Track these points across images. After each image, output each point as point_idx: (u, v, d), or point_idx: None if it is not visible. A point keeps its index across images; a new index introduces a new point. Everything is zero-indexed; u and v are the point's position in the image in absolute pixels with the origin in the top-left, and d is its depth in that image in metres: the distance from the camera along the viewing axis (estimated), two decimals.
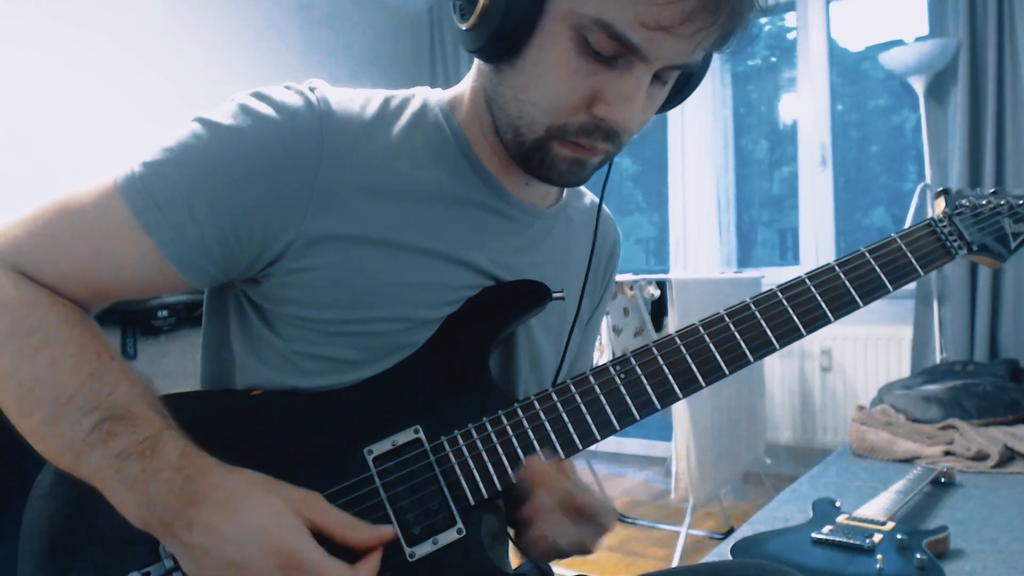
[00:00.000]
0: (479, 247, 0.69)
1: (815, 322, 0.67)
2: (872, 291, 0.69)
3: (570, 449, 0.64)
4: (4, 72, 2.33)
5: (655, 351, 0.66)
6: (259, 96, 0.62)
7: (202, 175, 0.60)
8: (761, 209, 3.62)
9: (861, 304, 0.68)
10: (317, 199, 0.62)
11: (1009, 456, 1.85)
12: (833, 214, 3.12)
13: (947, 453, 1.88)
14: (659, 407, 0.65)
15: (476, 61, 0.67)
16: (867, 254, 0.70)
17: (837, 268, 0.69)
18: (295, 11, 3.19)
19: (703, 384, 0.65)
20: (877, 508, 1.30)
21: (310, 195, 0.61)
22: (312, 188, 0.61)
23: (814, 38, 3.15)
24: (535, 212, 0.74)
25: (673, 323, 2.21)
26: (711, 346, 0.66)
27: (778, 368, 3.06)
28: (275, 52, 3.09)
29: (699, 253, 3.36)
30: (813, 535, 1.17)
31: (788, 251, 3.56)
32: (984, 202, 0.75)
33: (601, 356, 2.42)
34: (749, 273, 2.96)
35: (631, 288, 2.40)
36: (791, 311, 0.67)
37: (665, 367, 0.65)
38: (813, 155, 3.14)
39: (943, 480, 1.63)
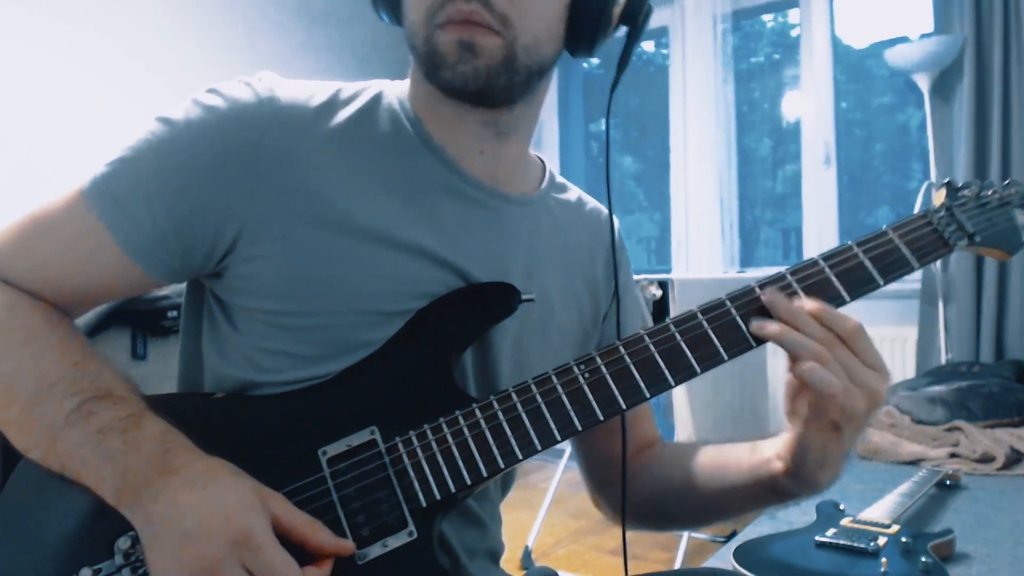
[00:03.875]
0: (438, 234, 0.68)
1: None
2: (860, 285, 0.65)
3: (528, 450, 0.62)
4: (2, 72, 2.32)
5: (622, 350, 0.63)
6: (210, 90, 0.65)
7: (155, 169, 0.62)
8: (764, 208, 3.60)
9: (848, 299, 0.65)
10: (264, 186, 0.62)
11: (1015, 458, 1.82)
12: (837, 213, 3.10)
13: (952, 455, 1.86)
14: (624, 407, 0.62)
15: None
16: (855, 247, 0.66)
17: (822, 262, 0.65)
18: (294, 8, 3.18)
19: (672, 383, 0.63)
20: (881, 511, 1.29)
21: (256, 180, 0.62)
22: (257, 173, 0.62)
23: (818, 35, 3.13)
24: (504, 196, 0.73)
25: None
26: (682, 344, 0.63)
27: (781, 368, 3.01)
28: (274, 50, 3.08)
29: (701, 253, 3.34)
30: (817, 538, 1.15)
31: (791, 251, 3.54)
32: (991, 192, 0.72)
33: None
34: (752, 273, 2.94)
35: None
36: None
37: (632, 366, 0.63)
38: (817, 153, 3.12)
39: (948, 482, 1.62)
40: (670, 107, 3.42)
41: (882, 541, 1.13)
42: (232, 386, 0.67)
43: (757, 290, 0.64)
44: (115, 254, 0.63)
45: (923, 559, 1.06)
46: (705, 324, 0.64)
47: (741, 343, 0.63)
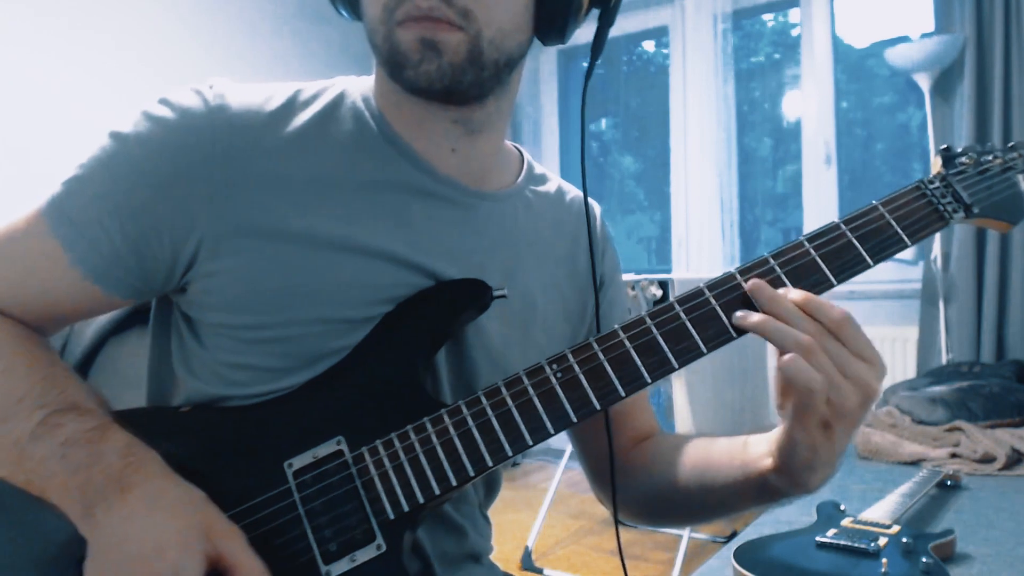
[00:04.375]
0: (408, 236, 0.66)
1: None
2: (848, 267, 0.61)
3: (499, 456, 0.59)
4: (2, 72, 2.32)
5: (595, 346, 0.60)
6: (160, 101, 0.63)
7: (108, 186, 0.61)
8: (765, 208, 3.59)
9: (835, 282, 0.61)
10: (219, 196, 0.61)
11: (1016, 458, 1.82)
12: (838, 213, 3.09)
13: (953, 455, 1.85)
14: (598, 407, 0.59)
15: None
16: (842, 225, 0.62)
17: (807, 243, 0.61)
18: (292, 6, 3.18)
19: (648, 381, 0.59)
20: (882, 511, 1.28)
21: (211, 192, 0.61)
22: (211, 185, 0.61)
23: (818, 34, 3.13)
24: (478, 193, 0.71)
25: None
26: (659, 338, 0.59)
27: None
28: (272, 49, 3.08)
29: (702, 253, 3.33)
30: (817, 538, 1.14)
31: None
32: (992, 157, 0.66)
33: None
34: None
35: (633, 288, 2.38)
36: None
37: (606, 363, 0.59)
38: (817, 153, 3.12)
39: (949, 483, 1.61)
40: (670, 107, 3.41)
41: (883, 542, 1.13)
42: (202, 401, 0.65)
43: (738, 277, 0.61)
44: (73, 275, 0.61)
45: (924, 559, 1.05)
46: (683, 316, 0.60)
47: (722, 335, 0.59)
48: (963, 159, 0.66)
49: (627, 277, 2.35)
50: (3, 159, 2.26)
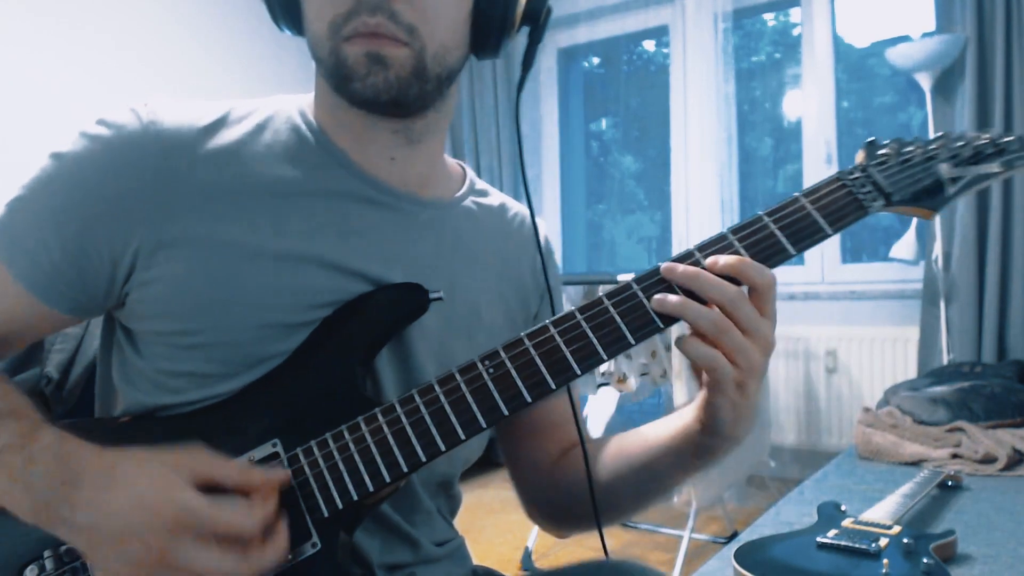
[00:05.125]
0: (346, 242, 0.67)
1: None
2: (771, 255, 0.63)
3: (432, 451, 0.60)
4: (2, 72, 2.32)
5: (526, 341, 0.62)
6: (98, 120, 0.65)
7: (46, 205, 0.63)
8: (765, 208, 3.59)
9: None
10: (153, 207, 0.62)
11: (1017, 459, 1.82)
12: None
13: (954, 456, 1.85)
14: (529, 400, 0.60)
15: None
16: (765, 217, 0.64)
17: (731, 236, 0.63)
18: None
19: (578, 373, 0.61)
20: (883, 512, 1.28)
21: (145, 205, 0.62)
22: (146, 197, 0.62)
23: (819, 34, 3.13)
24: (418, 200, 0.72)
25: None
26: (588, 332, 0.61)
27: (782, 369, 3.03)
28: (272, 49, 3.08)
29: None
30: (818, 539, 1.14)
31: None
32: (911, 148, 0.68)
33: None
34: None
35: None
36: (679, 289, 0.61)
37: (537, 357, 0.61)
38: (818, 153, 3.12)
39: (950, 483, 1.61)
40: (671, 106, 3.41)
41: (884, 542, 1.13)
42: (140, 411, 0.66)
43: (660, 268, 0.63)
44: (16, 290, 0.63)
45: (925, 560, 1.05)
46: (611, 309, 0.62)
47: (648, 325, 0.61)
48: (885, 150, 0.68)
49: (627, 277, 2.34)
50: (3, 159, 2.26)
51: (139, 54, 2.67)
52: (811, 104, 3.15)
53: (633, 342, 0.61)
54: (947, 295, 2.69)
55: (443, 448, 0.60)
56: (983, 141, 0.68)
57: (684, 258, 0.63)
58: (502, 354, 0.62)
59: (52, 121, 2.39)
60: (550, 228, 3.73)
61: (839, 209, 0.65)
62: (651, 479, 0.75)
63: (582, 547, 2.66)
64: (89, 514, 0.53)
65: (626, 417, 3.33)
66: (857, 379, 2.91)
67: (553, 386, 0.61)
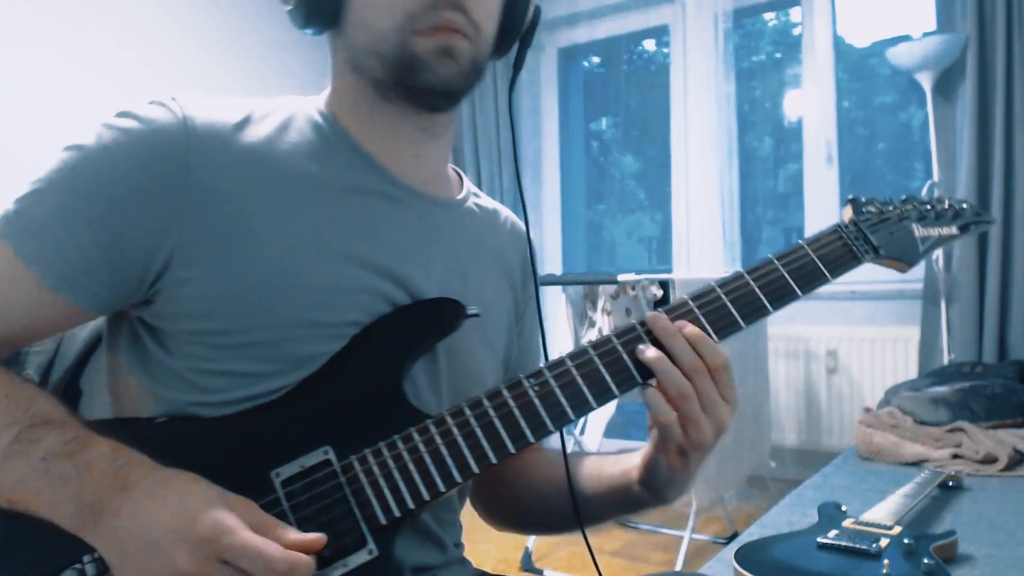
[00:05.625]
0: (373, 239, 0.68)
1: (726, 328, 0.68)
2: (782, 297, 0.70)
3: (484, 463, 0.63)
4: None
5: (568, 362, 0.65)
6: (122, 114, 0.63)
7: (76, 198, 0.61)
8: (766, 208, 3.59)
9: (771, 310, 0.70)
10: (192, 204, 0.61)
11: (1018, 459, 1.81)
12: (839, 212, 3.08)
13: (955, 456, 1.84)
14: (572, 417, 0.65)
15: (329, 48, 0.72)
16: (775, 261, 0.71)
17: (747, 275, 0.70)
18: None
19: (617, 394, 0.65)
20: (884, 512, 1.28)
21: (183, 201, 0.61)
22: (184, 193, 0.61)
23: (820, 33, 3.12)
24: (431, 199, 0.74)
25: None
26: (624, 356, 0.66)
27: (783, 370, 3.02)
28: (271, 48, 3.08)
29: (702, 252, 3.32)
30: (819, 539, 1.14)
31: None
32: (891, 208, 0.78)
33: None
34: None
35: (633, 288, 2.37)
36: (703, 319, 0.68)
37: (579, 378, 0.65)
38: (819, 152, 3.11)
39: (951, 484, 1.61)
40: (671, 106, 3.40)
41: (884, 542, 1.12)
42: (171, 410, 0.65)
43: (690, 303, 0.68)
44: (41, 289, 0.61)
45: (925, 560, 1.05)
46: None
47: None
48: (869, 207, 0.78)
49: (628, 277, 2.35)
50: (3, 159, 2.26)
51: (139, 54, 2.67)
52: (811, 104, 3.14)
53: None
54: (948, 295, 2.69)
55: (494, 460, 0.63)
56: (944, 206, 0.80)
57: (677, 308, 0.68)
58: (546, 374, 0.65)
59: (52, 121, 2.39)
60: (550, 228, 3.73)
61: (838, 258, 0.73)
62: (588, 506, 0.78)
63: (582, 547, 2.66)
64: (130, 519, 0.53)
65: (626, 417, 3.33)
66: (858, 379, 2.90)
67: (595, 406, 0.65)
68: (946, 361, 2.63)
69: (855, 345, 2.90)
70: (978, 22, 2.58)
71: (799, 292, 0.70)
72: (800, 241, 0.73)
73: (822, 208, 3.11)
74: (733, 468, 2.33)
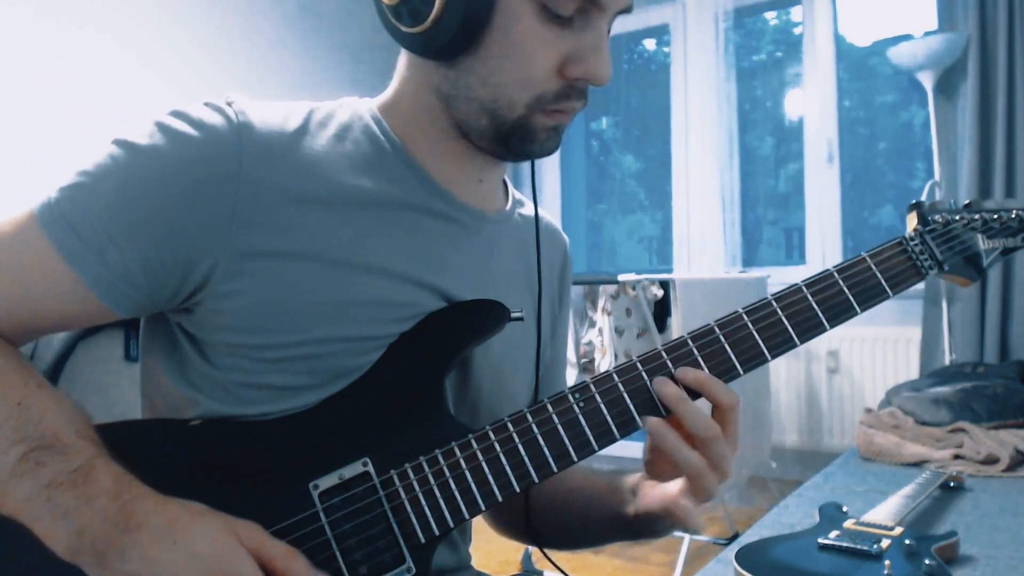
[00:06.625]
0: (424, 257, 0.66)
1: (781, 346, 0.66)
2: (840, 314, 0.67)
3: (526, 482, 0.61)
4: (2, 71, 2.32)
5: (616, 378, 0.63)
6: (176, 114, 0.61)
7: (121, 199, 0.58)
8: (766, 207, 3.58)
9: (828, 327, 0.67)
10: (241, 217, 0.59)
11: (1020, 460, 1.81)
12: (840, 212, 3.08)
13: (956, 457, 1.84)
14: (618, 436, 0.63)
15: (409, 62, 0.68)
16: (836, 274, 0.68)
17: (805, 289, 0.67)
18: (293, 7, 3.17)
19: (664, 414, 0.63)
20: (885, 513, 1.27)
21: (233, 213, 0.59)
22: (235, 206, 0.59)
23: (820, 33, 3.12)
24: (484, 215, 0.72)
25: (677, 324, 2.17)
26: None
27: (784, 370, 3.02)
28: (271, 48, 3.07)
29: (703, 252, 3.32)
30: (819, 540, 1.13)
31: (794, 250, 3.52)
32: (957, 217, 0.73)
33: (603, 358, 2.39)
34: (754, 273, 2.93)
35: (633, 288, 2.37)
36: (757, 335, 0.65)
37: (626, 395, 0.63)
38: (820, 152, 3.11)
39: (952, 484, 1.60)
40: (672, 105, 3.40)
41: (885, 543, 1.12)
42: (207, 415, 0.64)
43: (744, 316, 0.66)
44: (77, 287, 0.59)
45: (927, 561, 1.04)
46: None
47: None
48: (936, 217, 0.73)
49: (628, 277, 2.34)
50: (3, 159, 2.25)
51: (139, 54, 2.66)
52: (812, 103, 3.14)
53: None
54: (949, 295, 2.69)
55: (536, 479, 0.61)
56: (1011, 215, 0.73)
57: (760, 308, 0.66)
58: (593, 389, 0.63)
59: (52, 121, 2.38)
60: None
61: (899, 273, 0.69)
62: (586, 536, 0.79)
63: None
64: (141, 565, 0.52)
65: None
66: (859, 379, 2.90)
67: (641, 425, 0.63)
68: (947, 361, 2.63)
69: (856, 345, 2.90)
70: (979, 21, 2.57)
71: (858, 309, 0.67)
72: (863, 253, 0.69)
73: (823, 207, 3.10)
74: (733, 469, 2.32)
